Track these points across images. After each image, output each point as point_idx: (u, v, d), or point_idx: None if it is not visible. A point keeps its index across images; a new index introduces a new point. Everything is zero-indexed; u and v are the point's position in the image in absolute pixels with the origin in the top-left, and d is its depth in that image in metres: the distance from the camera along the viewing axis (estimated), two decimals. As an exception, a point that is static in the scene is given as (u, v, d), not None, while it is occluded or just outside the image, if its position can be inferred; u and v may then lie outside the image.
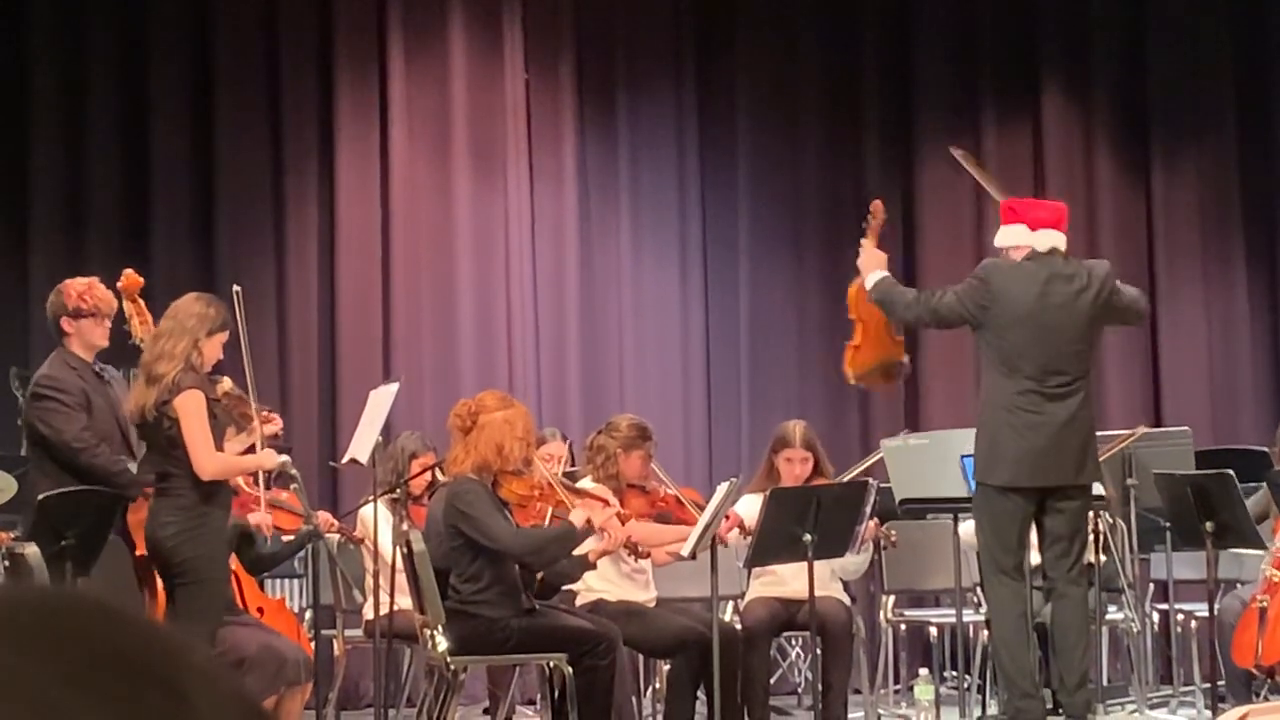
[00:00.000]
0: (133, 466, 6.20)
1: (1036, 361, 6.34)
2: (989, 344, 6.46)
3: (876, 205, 6.92)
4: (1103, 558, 7.23)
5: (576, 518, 6.25)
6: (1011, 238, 6.55)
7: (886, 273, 6.68)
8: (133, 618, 0.70)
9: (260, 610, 6.66)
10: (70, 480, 6.04)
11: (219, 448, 5.96)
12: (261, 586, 7.14)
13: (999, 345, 6.41)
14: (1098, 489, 6.68)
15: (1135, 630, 7.65)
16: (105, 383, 6.32)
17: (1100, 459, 6.67)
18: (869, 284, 6.67)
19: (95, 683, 0.66)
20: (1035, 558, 6.66)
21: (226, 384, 6.18)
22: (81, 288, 6.32)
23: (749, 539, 6.70)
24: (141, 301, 6.53)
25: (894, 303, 6.60)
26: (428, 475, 7.28)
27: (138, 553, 6.12)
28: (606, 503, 6.48)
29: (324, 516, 6.96)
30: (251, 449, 6.10)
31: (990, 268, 6.58)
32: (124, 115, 9.27)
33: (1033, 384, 6.33)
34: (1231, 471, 6.71)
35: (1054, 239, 6.51)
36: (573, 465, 7.56)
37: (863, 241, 6.78)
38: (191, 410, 5.82)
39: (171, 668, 0.68)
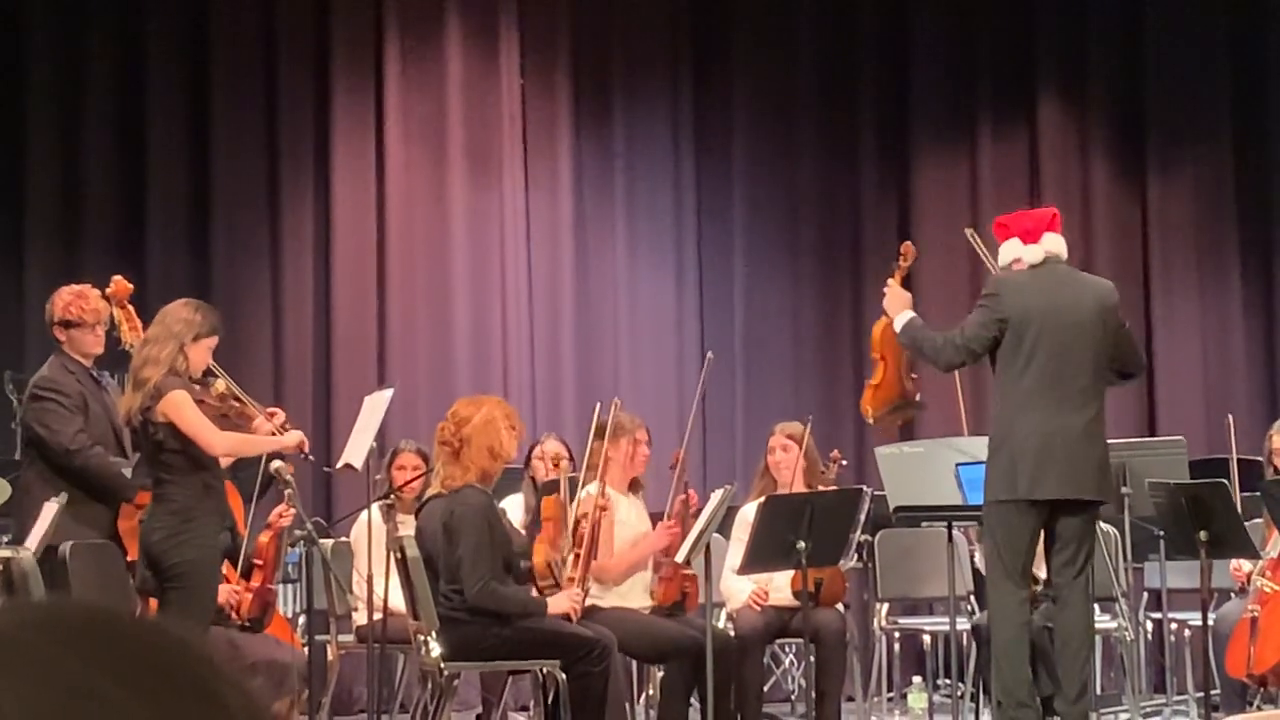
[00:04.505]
0: (128, 471, 6.20)
1: (1050, 353, 6.29)
2: (1005, 351, 6.40)
3: (907, 246, 6.91)
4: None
5: (555, 606, 6.28)
6: (1010, 252, 6.54)
7: (914, 314, 6.65)
8: (176, 631, 0.76)
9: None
10: (64, 483, 6.03)
11: None
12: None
13: (1014, 346, 6.35)
14: None
15: (1129, 639, 7.65)
16: (102, 388, 6.32)
17: None
18: (897, 325, 6.62)
19: (138, 681, 0.72)
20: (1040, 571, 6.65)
21: (221, 386, 6.11)
22: (68, 298, 6.29)
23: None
24: (131, 308, 6.50)
25: (924, 346, 6.57)
26: (418, 484, 7.24)
27: (129, 558, 6.12)
28: (581, 602, 6.50)
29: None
30: None
31: (996, 282, 6.56)
32: (120, 120, 9.26)
33: (1047, 384, 6.28)
34: (1226, 481, 6.71)
35: (1050, 243, 6.50)
36: (574, 470, 7.54)
37: (889, 281, 6.73)
38: (179, 405, 5.78)
39: (209, 676, 0.75)
